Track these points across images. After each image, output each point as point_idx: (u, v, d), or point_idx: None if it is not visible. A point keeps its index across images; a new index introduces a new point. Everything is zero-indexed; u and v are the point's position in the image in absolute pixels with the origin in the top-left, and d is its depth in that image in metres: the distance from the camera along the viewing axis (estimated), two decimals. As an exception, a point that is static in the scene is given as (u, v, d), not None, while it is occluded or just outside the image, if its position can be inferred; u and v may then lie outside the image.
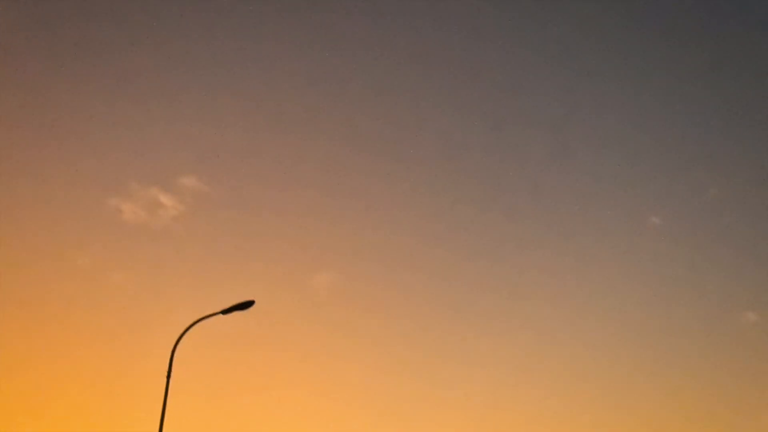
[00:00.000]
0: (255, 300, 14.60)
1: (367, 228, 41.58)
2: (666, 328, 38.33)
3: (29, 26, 37.87)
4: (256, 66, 42.58)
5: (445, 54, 43.22)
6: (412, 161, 43.01)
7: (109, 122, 39.02)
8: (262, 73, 42.84)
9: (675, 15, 41.78)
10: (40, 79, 38.42)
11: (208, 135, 40.50)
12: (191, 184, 38.78)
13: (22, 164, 37.25)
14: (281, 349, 38.18)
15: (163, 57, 40.97)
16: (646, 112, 43.03)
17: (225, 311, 14.43)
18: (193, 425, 33.10)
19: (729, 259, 39.12)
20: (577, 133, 42.67)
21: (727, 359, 36.78)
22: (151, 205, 37.81)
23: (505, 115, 43.25)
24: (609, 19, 42.52)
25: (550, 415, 34.35)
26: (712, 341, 37.75)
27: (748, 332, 37.61)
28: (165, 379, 14.39)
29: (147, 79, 40.53)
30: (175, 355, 14.41)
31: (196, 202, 38.74)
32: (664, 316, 38.47)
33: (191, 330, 14.55)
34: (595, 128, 42.84)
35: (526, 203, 42.17)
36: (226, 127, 40.91)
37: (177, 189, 38.62)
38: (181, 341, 14.45)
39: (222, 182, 40.45)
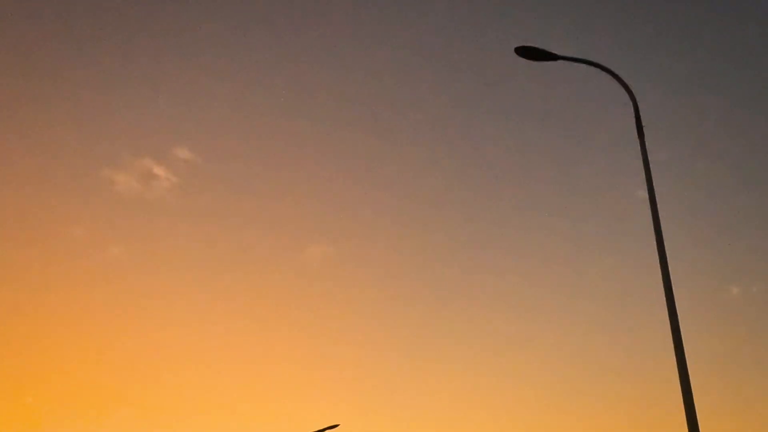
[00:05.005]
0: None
1: (360, 203, 42.12)
2: (650, 304, 39.13)
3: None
4: (249, 43, 42.62)
5: (431, 44, 43.39)
6: (406, 140, 43.41)
7: (101, 93, 39.12)
8: (255, 50, 42.88)
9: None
10: (33, 49, 38.43)
11: (202, 107, 40.72)
12: (185, 156, 39.02)
13: (15, 136, 37.47)
14: (274, 321, 38.89)
15: (159, 29, 40.96)
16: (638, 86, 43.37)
17: None
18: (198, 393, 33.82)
19: (713, 234, 39.89)
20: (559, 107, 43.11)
21: (713, 332, 37.69)
22: (145, 177, 38.12)
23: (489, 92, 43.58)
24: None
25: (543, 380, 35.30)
26: (697, 315, 38.64)
27: (732, 306, 38.46)
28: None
29: (142, 51, 40.55)
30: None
31: (189, 174, 39.04)
32: (648, 292, 39.26)
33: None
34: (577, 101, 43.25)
35: (517, 185, 42.70)
36: (220, 99, 41.13)
37: (170, 160, 38.89)
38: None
39: (215, 154, 40.76)
